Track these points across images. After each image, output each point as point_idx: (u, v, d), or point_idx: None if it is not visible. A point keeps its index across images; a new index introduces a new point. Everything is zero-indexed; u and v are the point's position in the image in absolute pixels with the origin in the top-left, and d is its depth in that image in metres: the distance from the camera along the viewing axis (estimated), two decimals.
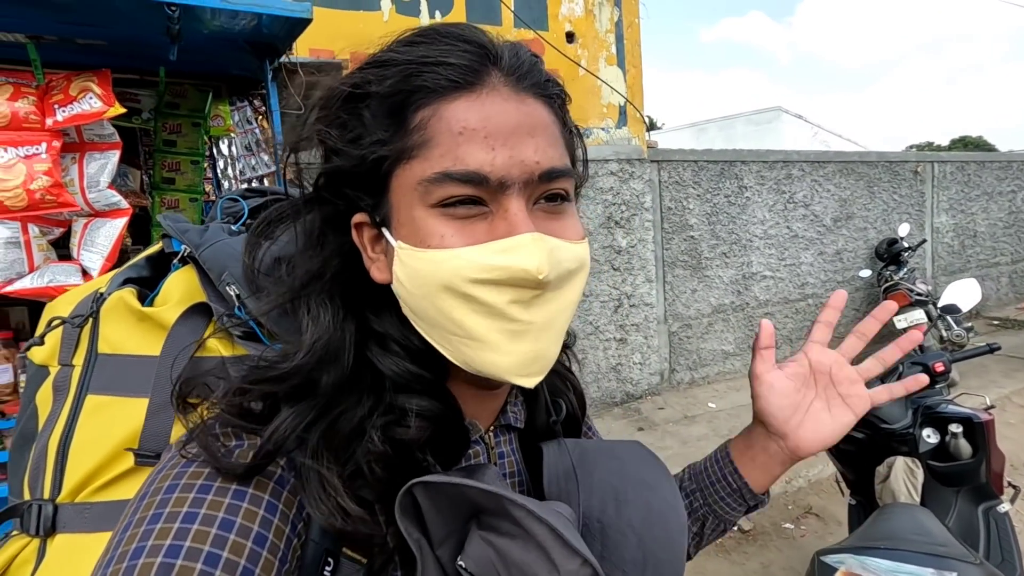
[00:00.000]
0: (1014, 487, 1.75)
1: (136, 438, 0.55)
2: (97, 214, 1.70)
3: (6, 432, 1.67)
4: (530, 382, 0.45)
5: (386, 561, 0.45)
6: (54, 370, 0.62)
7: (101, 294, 0.62)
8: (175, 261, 0.63)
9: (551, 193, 0.46)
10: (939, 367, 1.69)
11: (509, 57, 0.45)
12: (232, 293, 0.53)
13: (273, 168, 2.30)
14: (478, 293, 0.43)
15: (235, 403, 0.44)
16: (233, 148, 2.41)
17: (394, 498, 0.42)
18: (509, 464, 0.57)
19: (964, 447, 1.64)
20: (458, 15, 3.51)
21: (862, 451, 1.77)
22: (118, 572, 0.35)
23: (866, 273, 5.11)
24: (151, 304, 0.59)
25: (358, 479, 0.44)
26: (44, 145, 1.54)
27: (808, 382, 0.65)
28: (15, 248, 1.56)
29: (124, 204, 1.72)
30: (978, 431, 1.64)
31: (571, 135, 0.51)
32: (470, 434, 0.52)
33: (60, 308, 0.65)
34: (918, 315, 4.41)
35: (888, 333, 5.33)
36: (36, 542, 0.55)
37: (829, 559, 1.27)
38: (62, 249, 1.73)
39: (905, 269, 4.91)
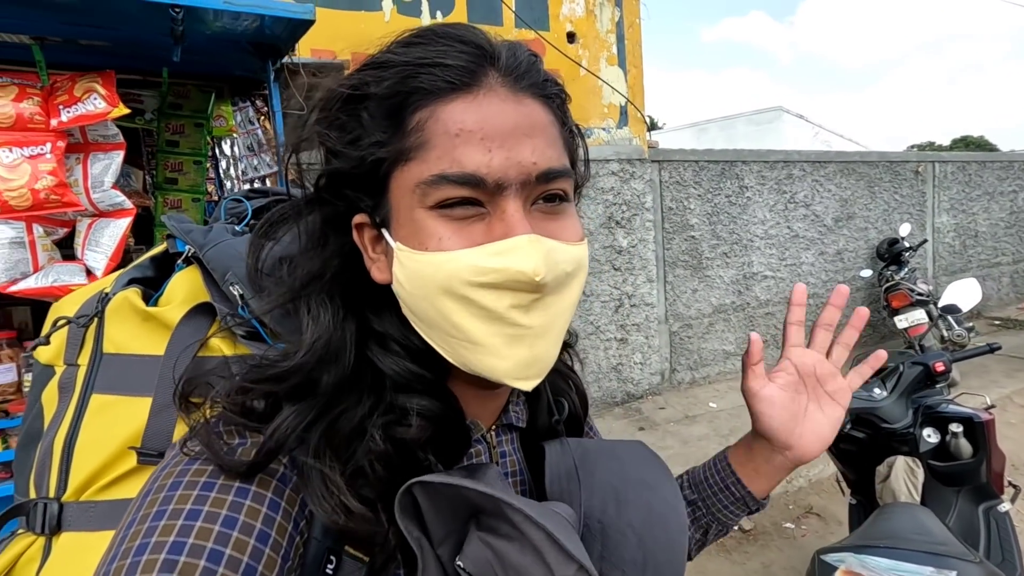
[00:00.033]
0: (1014, 487, 1.75)
1: (140, 437, 0.55)
2: (101, 214, 1.71)
3: (10, 431, 1.68)
4: (528, 385, 0.46)
5: (388, 559, 0.45)
6: (59, 370, 0.63)
7: (106, 294, 0.63)
8: (179, 261, 0.63)
9: (549, 193, 0.46)
10: (939, 367, 1.69)
11: (507, 57, 0.45)
12: (236, 293, 0.53)
13: (275, 168, 2.30)
14: (477, 297, 0.43)
15: (237, 402, 0.44)
16: (235, 148, 2.41)
17: (395, 497, 0.42)
18: (511, 463, 0.57)
19: (964, 447, 1.64)
20: (459, 15, 3.51)
21: (863, 451, 1.77)
22: (122, 569, 0.36)
23: (867, 273, 5.10)
24: (155, 304, 0.60)
25: (360, 478, 0.44)
26: (49, 145, 1.55)
27: (799, 387, 0.65)
28: (20, 248, 1.57)
29: (128, 204, 1.73)
30: (978, 431, 1.65)
31: (571, 135, 0.51)
32: (471, 433, 0.52)
33: (66, 308, 0.66)
34: (919, 315, 4.41)
35: (889, 333, 5.34)
36: (41, 540, 0.55)
37: (829, 558, 1.27)
38: (66, 249, 1.74)
39: (906, 269, 4.90)
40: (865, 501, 1.80)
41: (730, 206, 4.76)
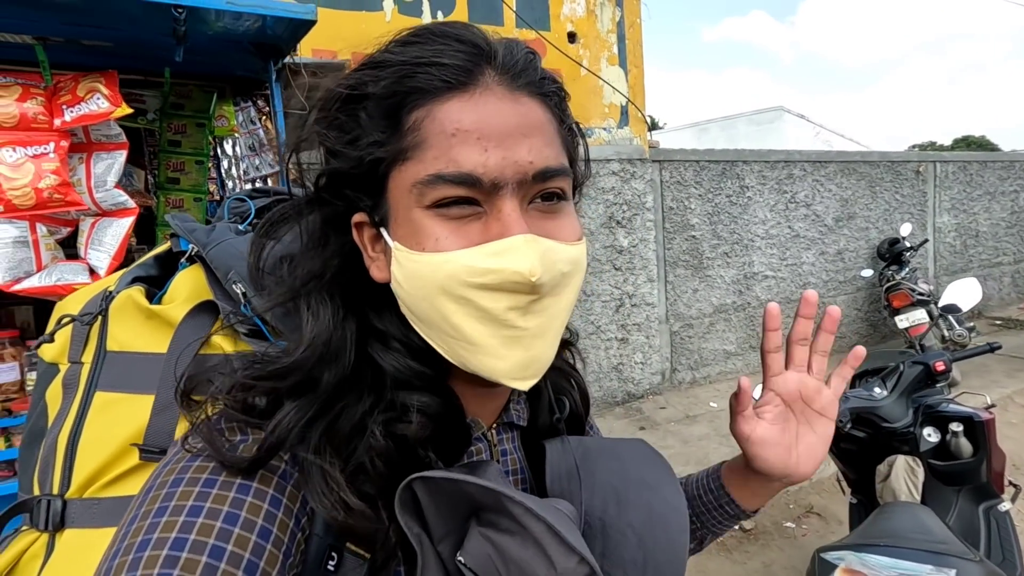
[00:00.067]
0: (1015, 486, 1.75)
1: (143, 434, 0.55)
2: (104, 213, 1.72)
3: (13, 429, 1.68)
4: (525, 385, 0.46)
5: (389, 556, 0.45)
6: (64, 367, 0.63)
7: (110, 292, 0.63)
8: (183, 260, 0.63)
9: (547, 192, 0.46)
10: (940, 366, 1.69)
11: (504, 55, 0.45)
12: (238, 291, 0.53)
13: (277, 168, 2.31)
14: (475, 298, 0.43)
15: (239, 399, 0.44)
16: (237, 148, 2.42)
17: (396, 493, 0.43)
18: (512, 462, 0.57)
19: (965, 446, 1.64)
20: (460, 15, 3.52)
21: (863, 450, 1.77)
22: (124, 564, 0.36)
23: (868, 273, 5.10)
24: (159, 302, 0.60)
25: (360, 474, 0.44)
26: (52, 145, 1.56)
27: (787, 416, 0.63)
28: (23, 247, 1.58)
29: (131, 204, 1.73)
30: (979, 430, 1.65)
31: (569, 133, 0.50)
32: (472, 431, 0.52)
33: (70, 306, 0.66)
34: (920, 315, 4.40)
35: (890, 333, 5.33)
36: (45, 537, 0.56)
37: (829, 556, 1.27)
38: (69, 248, 1.75)
39: (907, 269, 4.90)
40: (865, 500, 1.80)
41: (731, 206, 4.76)
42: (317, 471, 0.42)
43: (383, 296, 0.49)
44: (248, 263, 0.52)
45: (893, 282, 4.73)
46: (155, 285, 0.64)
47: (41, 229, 1.62)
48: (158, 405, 0.55)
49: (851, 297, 5.54)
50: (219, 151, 2.47)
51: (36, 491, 0.59)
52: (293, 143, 0.50)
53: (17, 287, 1.58)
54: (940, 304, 3.47)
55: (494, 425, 0.57)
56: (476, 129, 0.42)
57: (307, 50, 2.64)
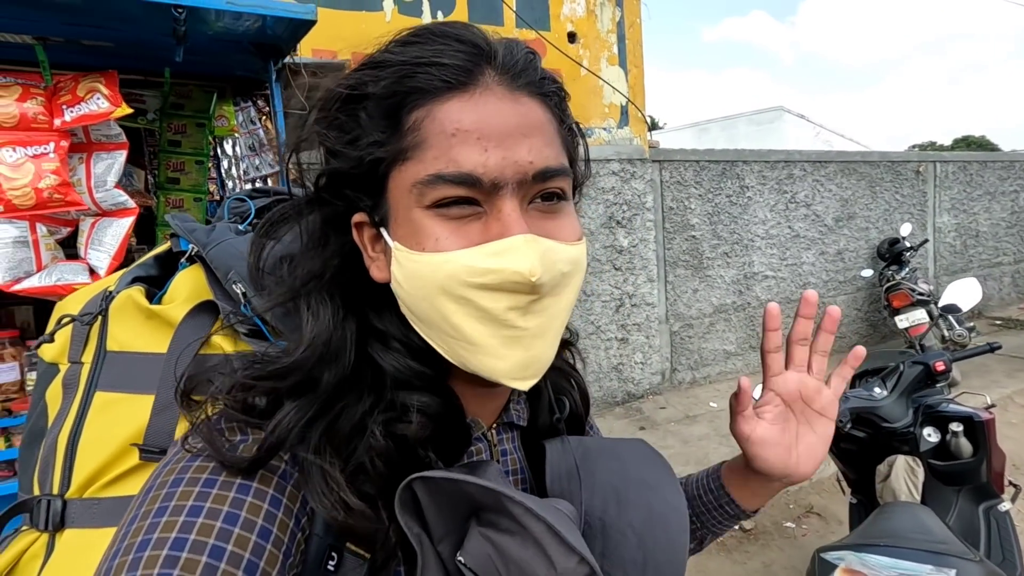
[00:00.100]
0: (1015, 486, 1.75)
1: (143, 434, 0.55)
2: (104, 213, 1.72)
3: (13, 430, 1.69)
4: (524, 385, 0.46)
5: (389, 556, 0.45)
6: (64, 367, 0.63)
7: (110, 292, 0.63)
8: (183, 260, 0.63)
9: (547, 192, 0.45)
10: (940, 366, 1.69)
11: (504, 55, 0.45)
12: (238, 291, 0.53)
13: (277, 168, 2.31)
14: (475, 298, 0.43)
15: (239, 399, 0.44)
16: (237, 148, 2.42)
17: (395, 493, 0.42)
18: (512, 462, 0.57)
19: (965, 446, 1.64)
20: (460, 15, 3.52)
21: (863, 450, 1.77)
22: (124, 564, 0.36)
23: (868, 273, 5.10)
24: (159, 302, 0.60)
25: (361, 474, 0.44)
26: (52, 145, 1.56)
27: (787, 415, 0.63)
28: (23, 247, 1.58)
29: (131, 203, 1.74)
30: (979, 430, 1.65)
31: (569, 133, 0.50)
32: (472, 431, 0.52)
33: (70, 306, 0.66)
34: (920, 315, 4.41)
35: (890, 333, 5.33)
36: (45, 537, 0.56)
37: (829, 556, 1.27)
38: (69, 248, 1.75)
39: (907, 269, 4.90)
40: (865, 500, 1.80)
41: (731, 206, 4.76)
42: (317, 471, 0.42)
43: (383, 296, 0.49)
44: (248, 263, 0.52)
45: (893, 282, 4.73)
46: (155, 285, 0.64)
47: (41, 229, 1.62)
48: (158, 405, 0.55)
49: (851, 297, 5.54)
50: (219, 151, 2.47)
51: (36, 491, 0.59)
52: (293, 143, 0.50)
53: (17, 287, 1.58)
54: (940, 304, 3.47)
55: (494, 425, 0.57)
56: (476, 129, 0.42)
57: (307, 50, 2.64)
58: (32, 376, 1.71)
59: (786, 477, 0.64)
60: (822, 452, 0.63)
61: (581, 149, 0.53)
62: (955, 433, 1.65)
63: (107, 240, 1.68)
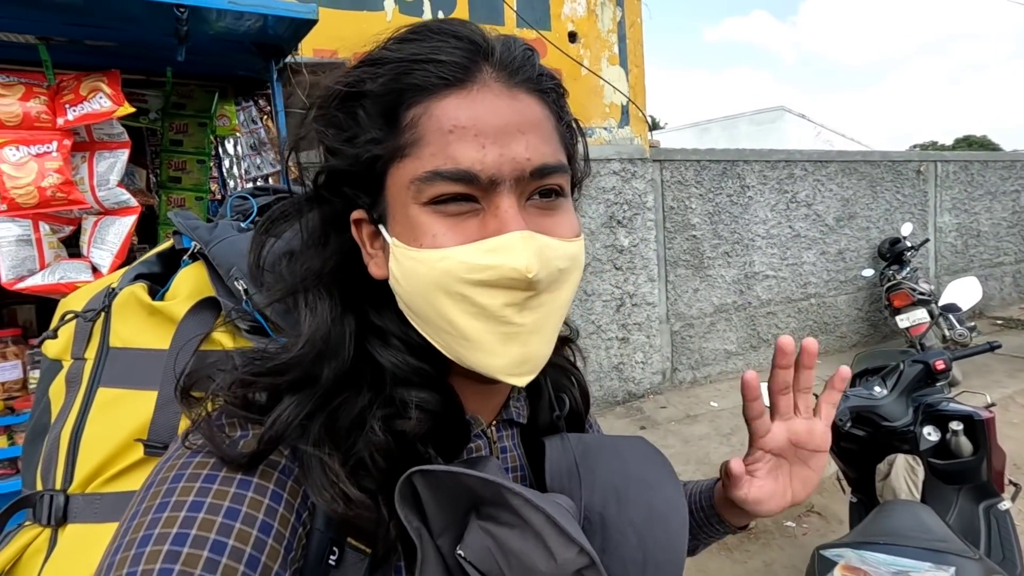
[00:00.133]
0: (1015, 485, 1.75)
1: (146, 430, 0.56)
2: (107, 212, 1.72)
3: (16, 428, 1.69)
4: (521, 381, 0.46)
5: (389, 551, 0.45)
6: (67, 364, 0.64)
7: (113, 289, 0.63)
8: (185, 257, 0.64)
9: (545, 189, 0.45)
10: (940, 365, 1.69)
11: (501, 52, 0.45)
12: (240, 288, 0.54)
13: (278, 167, 2.32)
14: (472, 294, 0.43)
15: (239, 395, 0.44)
16: (238, 147, 2.43)
17: (395, 488, 0.43)
18: (511, 459, 0.57)
19: (965, 445, 1.64)
20: (461, 15, 3.52)
21: (863, 449, 1.77)
22: (125, 560, 0.36)
23: (869, 272, 5.10)
24: (161, 299, 0.60)
25: (360, 469, 0.44)
26: (55, 144, 1.56)
27: (780, 465, 0.62)
28: (27, 245, 1.58)
29: (133, 202, 1.74)
30: (979, 429, 1.65)
31: (568, 130, 0.50)
32: (471, 428, 0.52)
33: (74, 303, 0.66)
34: (920, 314, 4.40)
35: (891, 333, 5.33)
36: (48, 532, 0.56)
37: (829, 553, 1.28)
38: (72, 247, 1.76)
39: (908, 268, 4.90)
40: (866, 499, 1.80)
41: (731, 205, 4.76)
42: (317, 463, 0.42)
43: (382, 293, 0.49)
44: (248, 260, 0.52)
45: (894, 282, 4.73)
46: (158, 282, 0.64)
47: (44, 227, 1.62)
48: (161, 401, 0.56)
49: (852, 297, 5.53)
50: (220, 150, 2.48)
51: (39, 487, 0.59)
52: (293, 141, 0.51)
53: (20, 285, 1.59)
54: (940, 303, 3.48)
55: (494, 422, 0.57)
56: (473, 126, 0.42)
57: (308, 50, 2.64)
58: (35, 374, 1.72)
59: (783, 510, 0.64)
60: (815, 480, 0.63)
61: (580, 146, 0.52)
62: (955, 432, 1.65)
63: (109, 238, 1.69)
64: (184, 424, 0.50)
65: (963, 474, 1.66)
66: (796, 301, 5.22)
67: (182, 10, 1.55)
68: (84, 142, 1.70)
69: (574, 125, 0.52)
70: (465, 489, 0.44)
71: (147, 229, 2.29)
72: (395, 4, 3.36)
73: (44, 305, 2.06)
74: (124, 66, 1.84)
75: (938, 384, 1.76)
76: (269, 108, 2.32)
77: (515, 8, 3.73)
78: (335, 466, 0.42)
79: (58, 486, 0.57)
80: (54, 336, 0.65)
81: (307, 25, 1.82)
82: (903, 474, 1.64)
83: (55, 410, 0.63)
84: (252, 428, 0.43)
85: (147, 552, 0.36)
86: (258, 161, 2.39)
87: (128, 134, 1.79)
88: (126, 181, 1.89)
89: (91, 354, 0.62)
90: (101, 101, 1.61)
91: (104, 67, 1.71)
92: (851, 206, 5.45)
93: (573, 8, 3.98)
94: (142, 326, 0.60)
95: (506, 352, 0.45)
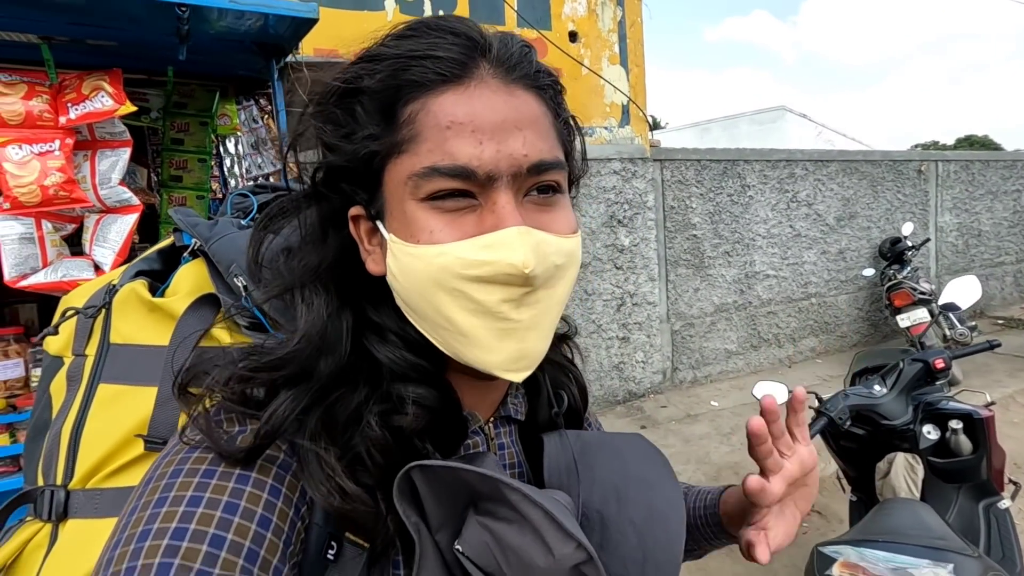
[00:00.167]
0: (1015, 484, 1.75)
1: (146, 426, 0.56)
2: (109, 210, 1.73)
3: (18, 426, 1.70)
4: (518, 377, 0.46)
5: (387, 545, 0.45)
6: (68, 360, 0.64)
7: (114, 286, 0.64)
8: (185, 254, 0.64)
9: (542, 185, 0.46)
10: (939, 363, 1.70)
11: (499, 48, 0.45)
12: (239, 284, 0.54)
13: (279, 166, 2.32)
14: (468, 290, 0.43)
15: (236, 390, 0.44)
16: (239, 146, 2.44)
17: (393, 484, 0.43)
18: (509, 455, 0.57)
19: (964, 443, 1.64)
20: (461, 14, 3.52)
21: (863, 448, 1.77)
22: (125, 555, 0.36)
23: (869, 272, 5.10)
24: (162, 296, 0.61)
25: (358, 465, 0.44)
26: (57, 142, 1.57)
27: (784, 505, 0.62)
28: (29, 243, 1.59)
29: (135, 200, 1.75)
30: (978, 427, 1.65)
31: (565, 126, 0.50)
32: (468, 424, 0.52)
33: (75, 300, 0.67)
34: (921, 314, 4.40)
35: (891, 332, 5.33)
36: (49, 527, 0.57)
37: (827, 550, 1.28)
38: (75, 245, 1.76)
39: (908, 268, 4.89)
40: (866, 498, 1.80)
41: (732, 205, 4.76)
42: (313, 457, 0.43)
43: (380, 289, 0.49)
44: (247, 256, 0.52)
45: (895, 281, 4.72)
46: (158, 279, 0.65)
47: (47, 226, 1.63)
48: (161, 397, 0.56)
49: (852, 296, 5.53)
50: (222, 149, 2.49)
51: (40, 482, 0.60)
52: (292, 138, 0.51)
53: (24, 283, 1.59)
54: (940, 302, 3.47)
55: (492, 419, 0.57)
56: (470, 122, 0.42)
57: (309, 49, 2.65)
58: (37, 372, 1.72)
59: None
60: (816, 491, 0.64)
61: (577, 143, 0.52)
62: (955, 430, 1.65)
63: (111, 236, 1.69)
64: (184, 419, 0.50)
65: (963, 473, 1.66)
66: (797, 301, 5.22)
67: (183, 9, 1.55)
68: (86, 141, 1.71)
69: (571, 122, 0.52)
70: (463, 484, 0.44)
71: (148, 228, 2.30)
72: (396, 4, 3.37)
73: (46, 304, 2.07)
74: (126, 65, 1.84)
75: (938, 383, 1.76)
76: (270, 107, 2.33)
77: (515, 8, 3.73)
78: (331, 460, 0.42)
79: (59, 482, 0.58)
80: (55, 332, 0.65)
81: (308, 24, 1.82)
82: (903, 473, 1.64)
83: (56, 406, 0.63)
84: (250, 423, 0.44)
85: (146, 546, 0.36)
86: (259, 160, 2.40)
87: (130, 133, 1.79)
88: (127, 180, 1.89)
89: (92, 350, 0.62)
90: (103, 100, 1.62)
91: (106, 66, 1.71)
92: (852, 206, 5.45)
93: (574, 8, 3.98)
94: (142, 323, 0.60)
95: (503, 348, 0.45)
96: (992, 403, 1.79)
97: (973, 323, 4.54)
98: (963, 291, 2.06)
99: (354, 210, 0.49)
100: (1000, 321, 6.10)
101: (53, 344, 0.66)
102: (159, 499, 0.39)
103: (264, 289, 0.50)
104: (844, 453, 1.86)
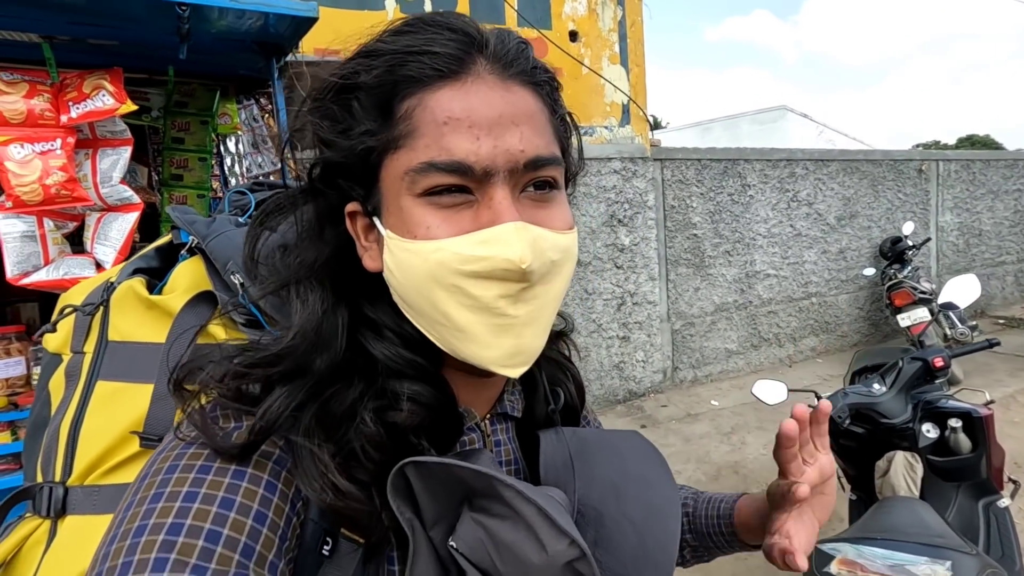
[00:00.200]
0: (1014, 482, 1.75)
1: (143, 423, 0.56)
2: (110, 209, 1.73)
3: (20, 423, 1.70)
4: (514, 372, 0.46)
5: (382, 541, 0.45)
6: (66, 357, 0.64)
7: (111, 283, 0.64)
8: (183, 252, 0.64)
9: (539, 181, 0.46)
10: (938, 362, 1.70)
11: (496, 44, 0.45)
12: (236, 281, 0.54)
13: (279, 165, 2.33)
14: (465, 286, 0.43)
15: (232, 387, 0.44)
16: (240, 146, 2.44)
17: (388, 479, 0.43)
18: (505, 452, 0.57)
19: (964, 442, 1.64)
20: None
21: (862, 446, 1.77)
22: (121, 550, 0.36)
23: (870, 272, 5.10)
24: (159, 293, 0.61)
25: (353, 461, 0.44)
26: (59, 141, 1.57)
27: (803, 512, 0.63)
28: (31, 241, 1.60)
29: (136, 199, 1.75)
30: (978, 426, 1.65)
31: (562, 123, 0.50)
32: (464, 420, 0.52)
33: (73, 297, 0.67)
34: (921, 313, 4.39)
35: (892, 332, 5.32)
36: (47, 524, 0.56)
37: (826, 547, 1.28)
38: (76, 243, 1.77)
39: (909, 267, 4.89)
40: (865, 497, 1.81)
41: (732, 204, 4.76)
42: (307, 454, 0.43)
43: (376, 286, 0.49)
44: (243, 253, 0.52)
45: (895, 281, 4.72)
46: (156, 277, 0.65)
47: (48, 224, 1.63)
48: (157, 394, 0.56)
49: (853, 296, 5.53)
50: (222, 148, 2.49)
51: (39, 479, 0.60)
52: (289, 134, 0.51)
53: (26, 280, 1.60)
54: (939, 301, 3.47)
55: (488, 416, 0.57)
56: (467, 117, 0.42)
57: (309, 48, 2.64)
58: (37, 370, 1.73)
59: None
60: (834, 500, 0.65)
61: (574, 140, 0.53)
62: (954, 429, 1.65)
63: (112, 235, 1.70)
64: (180, 416, 0.51)
65: (962, 471, 1.66)
66: (797, 300, 5.22)
67: (184, 8, 1.56)
68: (87, 139, 1.71)
69: (568, 119, 0.52)
70: (458, 481, 0.44)
71: (149, 226, 2.30)
72: (396, 3, 3.37)
73: (47, 302, 2.07)
74: (127, 64, 1.85)
75: (937, 382, 1.77)
76: (270, 106, 2.33)
77: (516, 7, 3.73)
78: (324, 457, 0.42)
79: (57, 478, 0.58)
80: (53, 330, 0.66)
81: (308, 23, 1.82)
82: (902, 471, 1.64)
83: (55, 403, 0.63)
84: (245, 419, 0.43)
85: (142, 541, 0.36)
86: (259, 159, 2.40)
87: (131, 132, 1.80)
88: (128, 178, 1.90)
89: (90, 348, 0.62)
90: (104, 99, 1.62)
91: (107, 65, 1.71)
92: (852, 205, 5.44)
93: (574, 7, 3.98)
94: (140, 320, 0.60)
95: (499, 344, 0.45)
96: (991, 402, 1.79)
97: (974, 323, 4.53)
98: (962, 290, 2.07)
99: (351, 206, 0.49)
100: (1001, 320, 6.09)
101: (52, 341, 0.66)
102: (155, 495, 0.39)
103: (260, 286, 0.49)
104: (843, 451, 1.86)
